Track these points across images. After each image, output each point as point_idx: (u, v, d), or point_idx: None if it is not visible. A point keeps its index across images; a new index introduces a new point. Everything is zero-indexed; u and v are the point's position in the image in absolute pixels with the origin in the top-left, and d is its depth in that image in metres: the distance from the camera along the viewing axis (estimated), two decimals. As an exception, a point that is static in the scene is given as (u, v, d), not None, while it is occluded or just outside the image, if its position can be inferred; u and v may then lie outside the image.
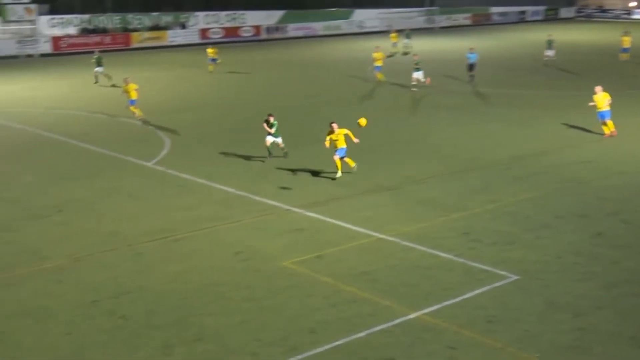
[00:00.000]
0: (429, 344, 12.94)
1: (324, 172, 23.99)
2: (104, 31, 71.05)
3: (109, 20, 72.27)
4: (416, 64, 40.84)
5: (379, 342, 13.02)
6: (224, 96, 41.63)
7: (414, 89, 40.25)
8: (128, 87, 33.55)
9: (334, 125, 23.41)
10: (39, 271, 16.59)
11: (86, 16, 70.94)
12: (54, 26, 69.09)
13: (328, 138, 23.52)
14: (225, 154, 27.05)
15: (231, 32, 76.38)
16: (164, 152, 27.57)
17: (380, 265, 16.44)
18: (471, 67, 43.83)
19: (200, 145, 28.80)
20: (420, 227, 18.90)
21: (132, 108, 33.41)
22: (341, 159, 23.45)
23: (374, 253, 17.25)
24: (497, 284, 15.39)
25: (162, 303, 14.81)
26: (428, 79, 40.57)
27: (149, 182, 23.65)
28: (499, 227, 18.85)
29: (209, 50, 51.61)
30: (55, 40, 66.68)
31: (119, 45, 69.29)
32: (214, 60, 50.73)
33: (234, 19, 78.68)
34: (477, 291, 15.04)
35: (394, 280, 15.62)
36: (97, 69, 45.42)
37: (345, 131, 23.44)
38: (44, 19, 68.51)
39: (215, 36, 74.79)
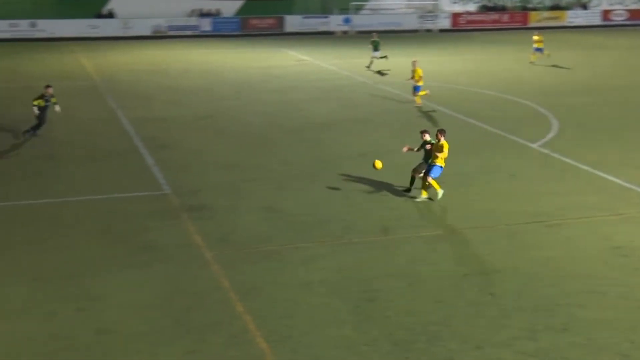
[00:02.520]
0: None
1: None
2: (502, 9, 71.44)
3: (509, -1, 72.47)
4: None
5: None
6: (624, 81, 39.47)
7: None
8: (415, 71, 32.10)
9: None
10: (416, 238, 17.31)
11: (488, -7, 71.93)
12: (454, 2, 71.10)
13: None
14: (616, 142, 25.74)
15: (637, 14, 72.09)
16: (550, 135, 27.01)
17: None
18: None
19: (589, 131, 27.73)
20: None
21: (419, 95, 32.03)
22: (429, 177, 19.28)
23: None
24: None
25: (531, 286, 14.62)
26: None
27: (530, 164, 23.38)
28: None
29: (535, 38, 45.64)
30: (455, 16, 68.56)
31: (516, 24, 69.19)
32: (539, 49, 44.96)
33: (641, 0, 74.17)
34: None
35: None
36: (374, 53, 43.70)
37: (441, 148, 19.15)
38: (446, -5, 70.87)
39: (618, 18, 71.22)
